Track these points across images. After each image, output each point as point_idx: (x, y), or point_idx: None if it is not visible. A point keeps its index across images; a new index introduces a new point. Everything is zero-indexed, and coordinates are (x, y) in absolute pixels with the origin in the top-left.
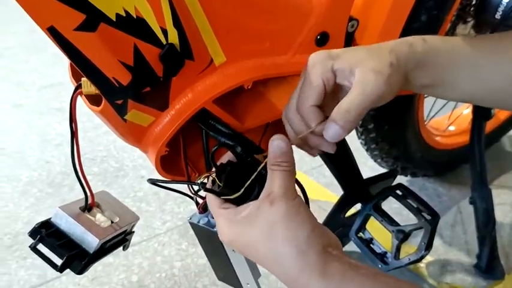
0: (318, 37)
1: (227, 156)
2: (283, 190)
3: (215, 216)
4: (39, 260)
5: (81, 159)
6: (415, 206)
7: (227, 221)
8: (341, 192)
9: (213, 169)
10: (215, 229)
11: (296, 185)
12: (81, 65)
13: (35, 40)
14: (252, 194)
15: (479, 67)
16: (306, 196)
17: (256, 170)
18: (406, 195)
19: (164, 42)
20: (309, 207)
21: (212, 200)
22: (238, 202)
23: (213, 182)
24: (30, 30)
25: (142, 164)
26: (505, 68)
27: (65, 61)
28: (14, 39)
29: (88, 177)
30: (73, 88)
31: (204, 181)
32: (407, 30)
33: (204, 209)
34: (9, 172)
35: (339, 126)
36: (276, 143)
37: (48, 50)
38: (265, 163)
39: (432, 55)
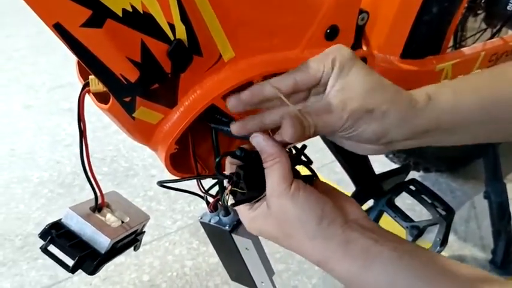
0: (328, 31)
1: (228, 167)
2: (273, 189)
3: (251, 224)
4: (51, 261)
5: (91, 159)
6: (429, 201)
7: (262, 218)
8: (353, 188)
9: (226, 184)
10: (226, 228)
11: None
12: (88, 62)
13: (44, 42)
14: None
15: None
16: (313, 171)
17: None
18: (420, 191)
19: (172, 37)
20: (316, 178)
21: (244, 212)
22: None
23: (233, 193)
24: (39, 32)
25: (152, 163)
26: None
27: (73, 62)
28: (23, 41)
29: (98, 177)
30: None
31: (230, 201)
32: (418, 23)
33: (214, 207)
34: (20, 173)
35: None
36: (254, 141)
37: (57, 52)
38: None
39: (438, 117)
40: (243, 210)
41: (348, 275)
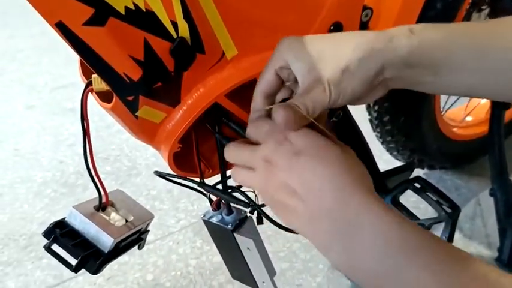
0: (331, 28)
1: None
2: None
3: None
4: (55, 261)
5: (94, 158)
6: (434, 199)
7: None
8: None
9: None
10: (228, 227)
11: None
12: (90, 61)
13: (47, 42)
14: None
15: (486, 52)
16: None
17: None
18: (425, 188)
19: (175, 35)
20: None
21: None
22: None
23: None
24: (42, 32)
25: (155, 162)
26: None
27: (76, 63)
28: (25, 42)
29: (101, 177)
30: None
31: None
32: (422, 19)
33: (217, 206)
34: (23, 173)
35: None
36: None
37: (59, 52)
38: None
39: (423, 49)
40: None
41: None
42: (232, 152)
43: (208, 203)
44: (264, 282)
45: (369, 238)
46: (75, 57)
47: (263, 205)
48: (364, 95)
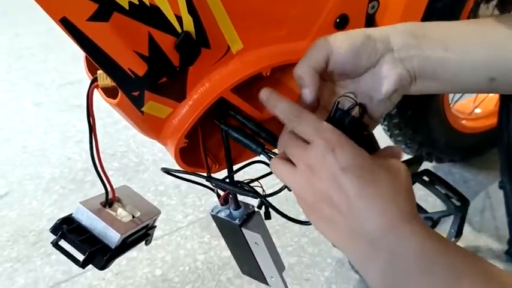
0: (337, 20)
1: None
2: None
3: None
4: (64, 256)
5: (101, 155)
6: (443, 192)
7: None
8: None
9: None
10: (236, 221)
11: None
12: (95, 57)
13: (53, 40)
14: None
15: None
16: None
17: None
18: (433, 181)
19: (179, 30)
20: None
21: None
22: None
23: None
24: (48, 30)
25: (162, 157)
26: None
27: (82, 59)
28: (32, 39)
29: (109, 173)
30: None
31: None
32: (430, 10)
33: (225, 201)
34: (32, 170)
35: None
36: None
37: (66, 49)
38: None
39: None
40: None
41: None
42: (283, 141)
43: (215, 198)
44: (272, 277)
45: (411, 266)
46: (81, 54)
47: (270, 195)
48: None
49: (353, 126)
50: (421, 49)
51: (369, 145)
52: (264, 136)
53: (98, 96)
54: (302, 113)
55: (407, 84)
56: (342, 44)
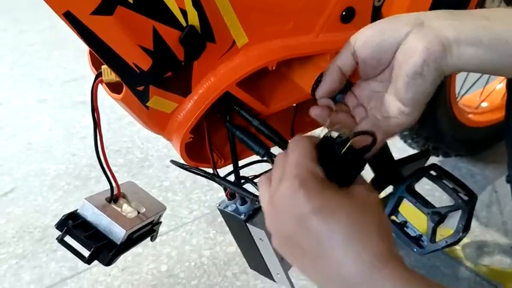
0: (344, 13)
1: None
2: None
3: (300, 163)
4: (70, 252)
5: (106, 151)
6: (450, 186)
7: (315, 174)
8: (371, 175)
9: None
10: (242, 216)
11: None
12: (99, 51)
13: (57, 36)
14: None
15: None
16: None
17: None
18: (441, 176)
19: (184, 24)
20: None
21: (310, 150)
22: None
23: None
24: (52, 26)
25: (167, 153)
26: None
27: (86, 55)
28: (35, 36)
29: (114, 169)
30: None
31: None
32: (436, 3)
33: (231, 195)
34: (37, 166)
35: None
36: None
37: (70, 46)
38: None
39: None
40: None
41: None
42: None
43: (221, 194)
44: (278, 274)
45: None
46: (85, 51)
47: None
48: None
49: (337, 160)
50: (459, 19)
51: (347, 177)
52: (268, 134)
53: (102, 92)
54: (298, 142)
55: (439, 53)
56: (365, 28)
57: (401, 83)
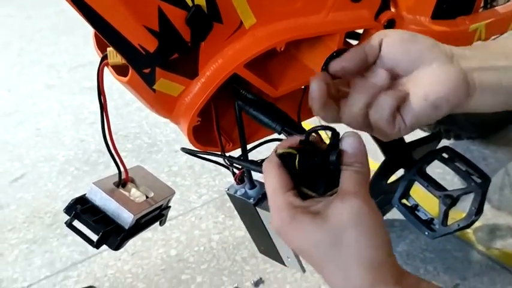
0: None
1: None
2: (355, 189)
3: (274, 199)
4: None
5: (115, 136)
6: (463, 169)
7: (290, 210)
8: (382, 158)
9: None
10: (251, 200)
11: None
12: (104, 33)
13: (63, 22)
14: (318, 189)
15: None
16: None
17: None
18: (453, 158)
19: (190, 3)
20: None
21: (280, 178)
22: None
23: (283, 158)
24: (58, 12)
25: (175, 138)
26: None
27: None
28: (43, 22)
29: (122, 154)
30: None
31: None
32: None
33: (240, 179)
34: (46, 152)
35: None
36: (347, 140)
37: (76, 31)
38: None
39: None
40: (279, 184)
41: None
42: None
43: (229, 179)
44: (289, 258)
45: None
46: (92, 36)
47: None
48: None
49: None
50: (483, 59)
51: (330, 181)
52: (276, 116)
53: (110, 77)
54: (268, 171)
55: (463, 98)
56: (392, 32)
57: (415, 103)
